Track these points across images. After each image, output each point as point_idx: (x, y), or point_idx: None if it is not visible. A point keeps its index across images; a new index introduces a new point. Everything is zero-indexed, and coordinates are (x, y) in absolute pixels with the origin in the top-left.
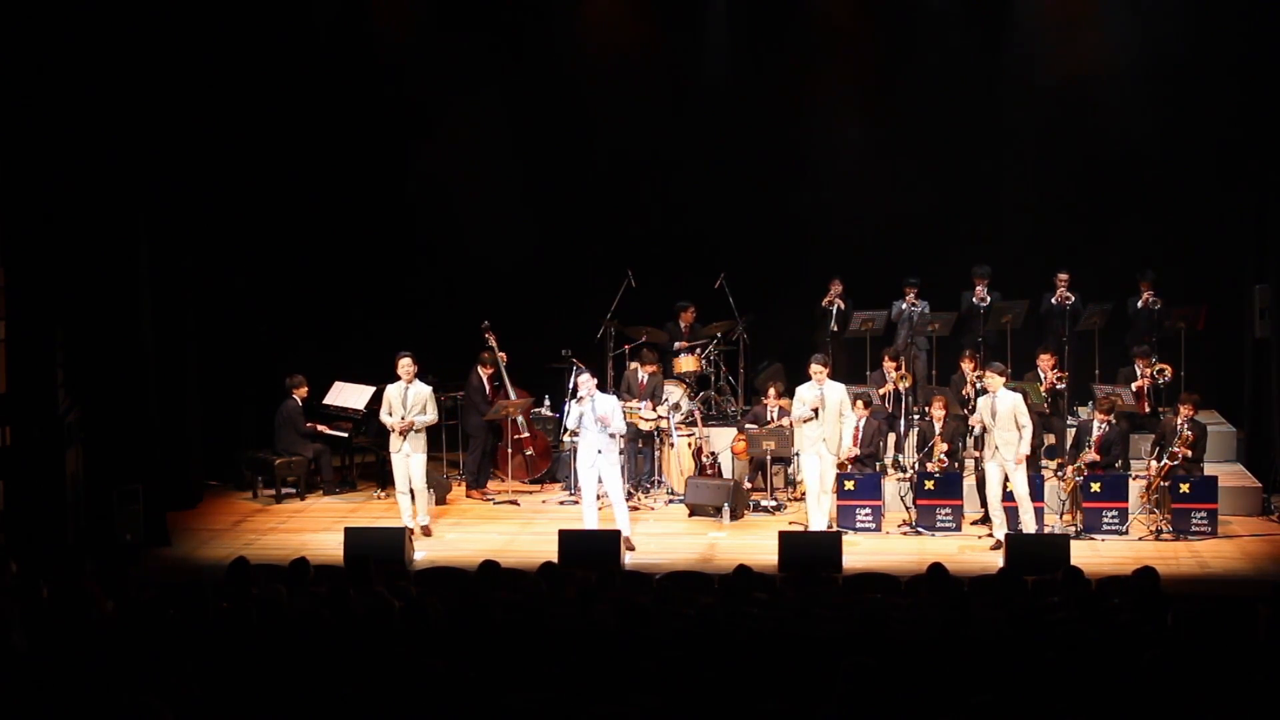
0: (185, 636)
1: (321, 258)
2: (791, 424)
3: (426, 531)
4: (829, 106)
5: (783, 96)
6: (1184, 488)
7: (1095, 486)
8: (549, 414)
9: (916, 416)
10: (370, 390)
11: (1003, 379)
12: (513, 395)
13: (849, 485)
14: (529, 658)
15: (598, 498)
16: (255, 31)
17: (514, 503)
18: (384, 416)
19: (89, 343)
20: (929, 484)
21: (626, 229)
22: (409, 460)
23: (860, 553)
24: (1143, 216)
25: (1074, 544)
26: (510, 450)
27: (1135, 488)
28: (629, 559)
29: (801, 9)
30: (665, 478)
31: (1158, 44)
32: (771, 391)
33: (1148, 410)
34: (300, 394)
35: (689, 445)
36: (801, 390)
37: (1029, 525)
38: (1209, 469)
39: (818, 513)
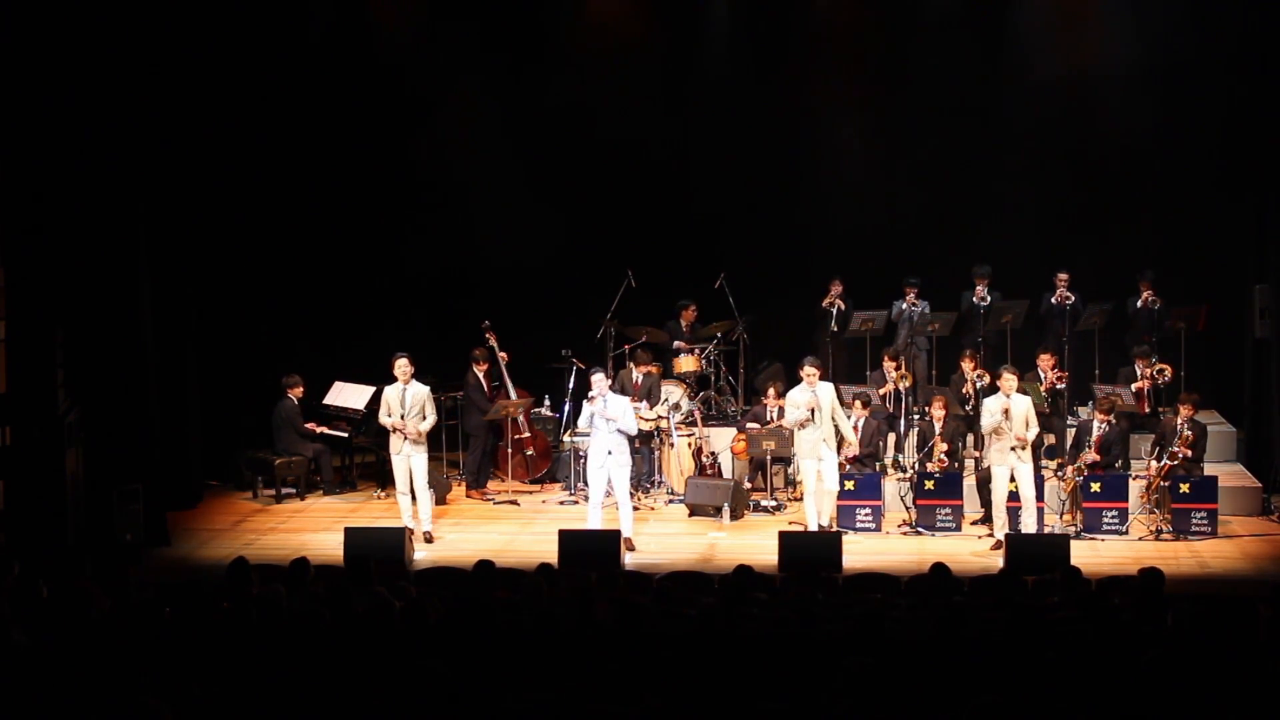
0: (185, 636)
1: (321, 258)
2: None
3: (429, 538)
4: (830, 107)
5: (784, 97)
6: (1184, 488)
7: (1095, 486)
8: (549, 414)
9: (916, 416)
10: (370, 390)
11: (1016, 379)
12: (513, 395)
13: (849, 485)
14: (529, 658)
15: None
16: (254, 31)
17: (514, 503)
18: (383, 418)
19: (89, 343)
20: (929, 484)
21: (626, 229)
22: (410, 461)
23: (860, 553)
24: (1143, 216)
25: (1074, 544)
26: (510, 450)
27: (1135, 488)
28: (629, 559)
29: (802, 9)
30: (665, 478)
31: (1158, 44)
32: (771, 391)
33: (1148, 410)
34: (296, 393)
35: (689, 445)
36: (793, 394)
37: (1030, 525)
38: (1209, 469)
39: (814, 512)
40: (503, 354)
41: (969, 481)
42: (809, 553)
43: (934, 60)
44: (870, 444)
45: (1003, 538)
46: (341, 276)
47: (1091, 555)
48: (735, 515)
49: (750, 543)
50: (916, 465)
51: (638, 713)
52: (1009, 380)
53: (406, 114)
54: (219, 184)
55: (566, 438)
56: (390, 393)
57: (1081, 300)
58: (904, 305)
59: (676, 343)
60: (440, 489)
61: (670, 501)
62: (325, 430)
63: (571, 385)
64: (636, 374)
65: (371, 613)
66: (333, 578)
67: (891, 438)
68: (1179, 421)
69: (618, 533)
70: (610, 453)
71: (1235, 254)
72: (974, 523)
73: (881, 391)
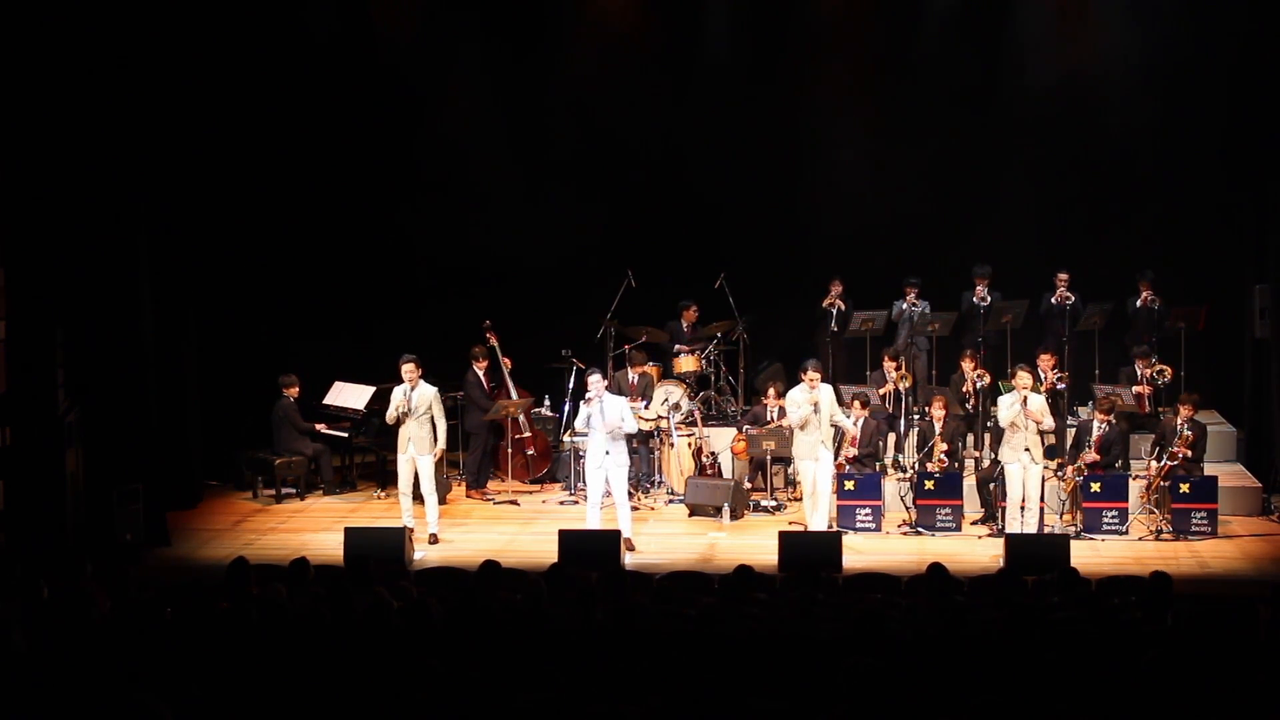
0: (185, 636)
1: (321, 257)
2: (791, 427)
3: (434, 539)
4: (829, 107)
5: (783, 96)
6: (1184, 488)
7: (1095, 486)
8: (549, 414)
9: (916, 416)
10: (370, 390)
11: (1032, 378)
12: (513, 395)
13: (849, 485)
14: (529, 658)
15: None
16: (254, 30)
17: (514, 503)
18: (389, 415)
19: (89, 343)
20: (929, 484)
21: (626, 228)
22: (417, 462)
23: (860, 553)
24: (1143, 216)
25: (1074, 544)
26: (510, 450)
27: (1135, 488)
28: (629, 559)
29: (802, 9)
30: (665, 478)
31: (1158, 44)
32: (771, 391)
33: (1148, 410)
34: (292, 392)
35: (689, 445)
36: (794, 393)
37: (1030, 525)
38: (1209, 469)
39: (814, 515)
40: (506, 359)
41: (969, 481)
42: (809, 553)
43: (934, 60)
44: (870, 444)
45: (1018, 529)
46: (341, 276)
47: (1091, 555)
48: (735, 515)
49: (750, 543)
50: (916, 465)
51: (638, 713)
52: (1024, 378)
53: (406, 114)
54: (219, 184)
55: (566, 438)
56: (397, 393)
57: (1081, 300)
58: (904, 305)
59: (676, 344)
60: (440, 489)
61: (670, 501)
62: (325, 430)
63: (571, 385)
64: (632, 374)
65: (371, 613)
66: (333, 578)
67: (891, 438)
68: (1179, 421)
69: (618, 533)
70: (608, 453)
71: (1235, 254)
72: (974, 523)
73: (881, 391)
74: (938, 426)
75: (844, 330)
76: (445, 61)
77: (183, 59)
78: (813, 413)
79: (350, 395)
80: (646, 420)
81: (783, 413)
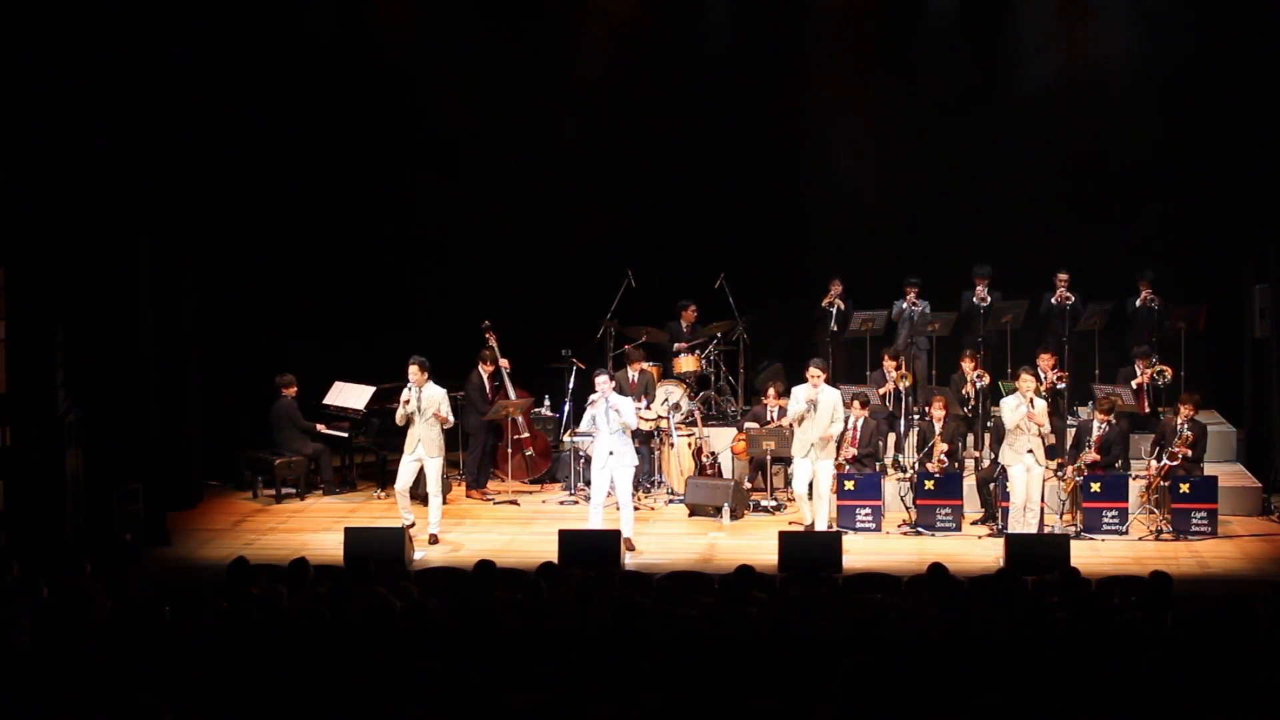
0: (185, 636)
1: (321, 258)
2: (791, 425)
3: (434, 539)
4: (829, 106)
5: (784, 96)
6: (1184, 488)
7: (1095, 486)
8: (549, 414)
9: (916, 416)
10: (370, 390)
11: (1035, 381)
12: (513, 395)
13: (849, 485)
14: (529, 658)
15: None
16: (254, 31)
17: (514, 503)
18: (399, 417)
19: (89, 343)
20: (929, 484)
21: (627, 228)
22: (425, 464)
23: (860, 553)
24: (1143, 216)
25: (1074, 544)
26: (510, 450)
27: (1135, 488)
28: (629, 559)
29: (802, 9)
30: (665, 478)
31: (1158, 43)
32: (771, 391)
33: (1148, 410)
34: (290, 392)
35: (689, 445)
36: (797, 390)
37: (1031, 526)
38: (1209, 469)
39: (810, 512)
40: (504, 361)
41: (969, 481)
42: (809, 553)
43: (934, 60)
44: (870, 444)
45: (1004, 530)
46: (341, 276)
47: (1091, 555)
48: (735, 515)
49: (750, 543)
50: (916, 465)
51: (637, 713)
52: (1028, 381)
53: (406, 114)
54: (219, 183)
55: (566, 438)
56: (404, 394)
57: (1081, 300)
58: (904, 305)
59: (676, 343)
60: (441, 489)
61: (670, 501)
62: (325, 430)
63: (572, 385)
64: (631, 373)
65: (371, 613)
66: (333, 578)
67: (891, 438)
68: (1179, 421)
69: (618, 533)
70: (612, 453)
71: (1235, 254)
72: (974, 523)
73: (881, 391)
74: (938, 426)
75: (844, 330)
76: (445, 60)
77: (182, 58)
78: (809, 411)
79: (350, 395)
80: (647, 420)
81: (783, 413)
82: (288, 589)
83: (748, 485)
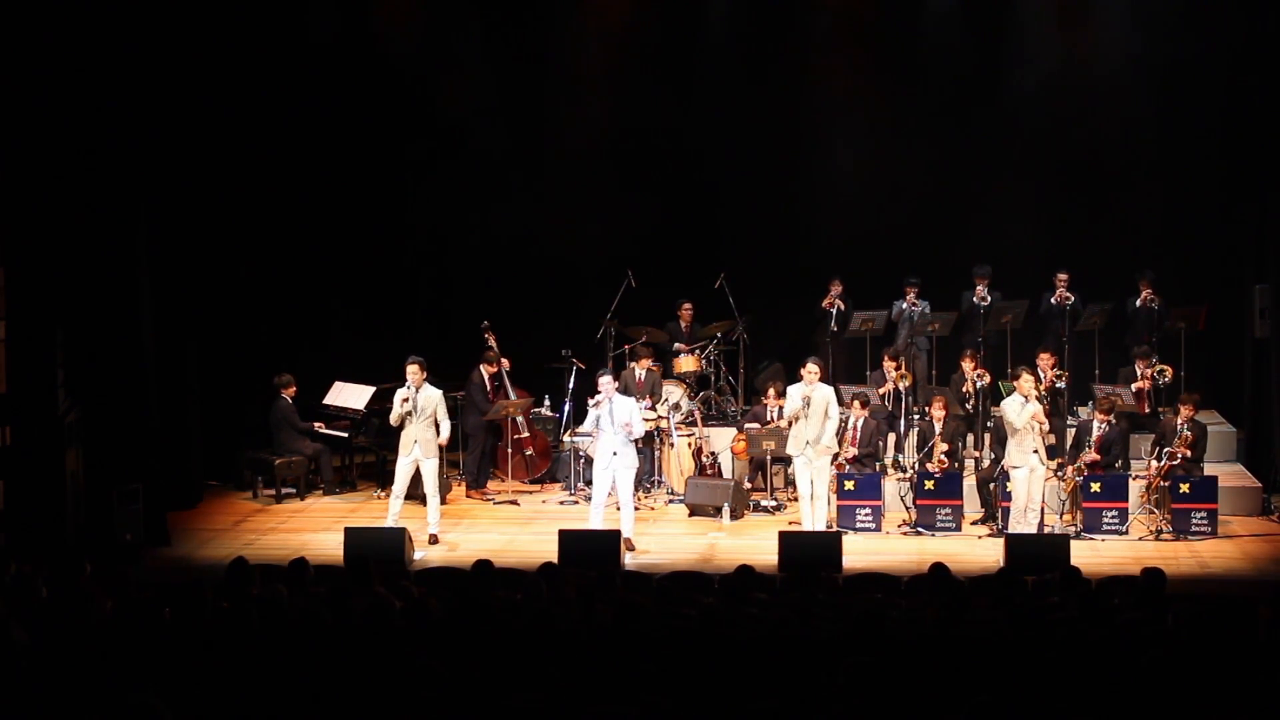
0: (185, 636)
1: (321, 258)
2: (789, 423)
3: (434, 540)
4: (829, 106)
5: (784, 96)
6: (1184, 488)
7: (1095, 486)
8: (549, 414)
9: (916, 416)
10: (370, 390)
11: (1035, 381)
12: (513, 395)
13: (849, 485)
14: (529, 658)
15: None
16: (254, 29)
17: (514, 503)
18: (394, 417)
19: (89, 343)
20: (929, 484)
21: (626, 228)
22: (421, 465)
23: (860, 553)
24: (1143, 216)
25: (1074, 544)
26: (510, 450)
27: (1135, 488)
28: (629, 559)
29: (802, 8)
30: (665, 478)
31: (1158, 43)
32: (771, 391)
33: (1148, 410)
34: (289, 393)
35: (689, 445)
36: (791, 388)
37: (1031, 527)
38: (1209, 469)
39: (809, 515)
40: (505, 361)
41: (969, 481)
42: (809, 553)
43: (934, 59)
44: (870, 444)
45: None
46: (341, 276)
47: (1091, 555)
48: (735, 515)
49: (750, 543)
50: (916, 465)
51: (637, 713)
52: (1027, 381)
53: (406, 114)
54: (219, 183)
55: (566, 438)
56: (400, 394)
57: (1081, 300)
58: (904, 305)
59: (676, 344)
60: (441, 489)
61: (670, 501)
62: (325, 430)
63: (571, 385)
64: (639, 371)
65: (371, 613)
66: (333, 578)
67: (891, 438)
68: (1179, 421)
69: (618, 533)
70: (615, 454)
71: (1235, 254)
72: (974, 523)
73: (881, 391)
74: (938, 426)
75: (844, 330)
76: (445, 61)
77: (182, 58)
78: (803, 408)
79: (350, 395)
80: (648, 420)
81: (782, 413)
82: (287, 589)
83: (748, 485)
